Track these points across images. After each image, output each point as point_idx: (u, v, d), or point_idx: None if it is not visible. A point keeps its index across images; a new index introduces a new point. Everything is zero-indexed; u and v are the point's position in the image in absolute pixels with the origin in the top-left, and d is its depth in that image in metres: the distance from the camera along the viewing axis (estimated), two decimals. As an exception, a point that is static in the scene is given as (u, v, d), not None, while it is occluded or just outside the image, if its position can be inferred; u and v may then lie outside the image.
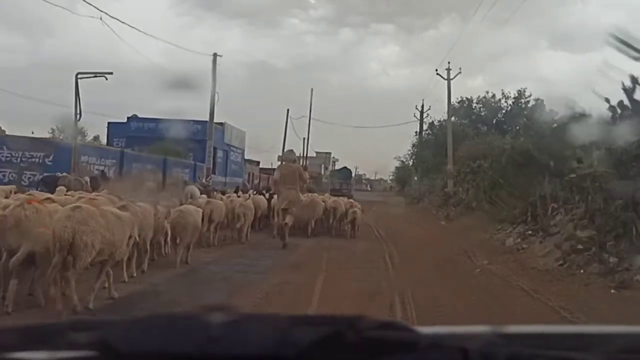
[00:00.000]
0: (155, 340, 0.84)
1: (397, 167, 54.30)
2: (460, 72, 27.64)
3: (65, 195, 9.08)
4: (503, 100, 33.30)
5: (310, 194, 14.07)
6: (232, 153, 33.93)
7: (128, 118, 29.59)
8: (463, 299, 6.15)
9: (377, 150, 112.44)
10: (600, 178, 8.15)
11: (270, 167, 41.83)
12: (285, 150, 38.12)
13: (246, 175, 37.43)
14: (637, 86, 8.27)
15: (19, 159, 15.04)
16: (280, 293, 6.33)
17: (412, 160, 42.25)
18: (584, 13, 63.56)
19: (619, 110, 8.57)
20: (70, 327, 0.90)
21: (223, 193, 14.86)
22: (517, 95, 32.82)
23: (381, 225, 16.67)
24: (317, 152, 54.08)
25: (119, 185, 14.00)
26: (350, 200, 15.45)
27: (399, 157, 48.30)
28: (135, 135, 27.71)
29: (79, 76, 14.96)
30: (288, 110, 38.81)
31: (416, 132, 38.11)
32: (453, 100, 29.29)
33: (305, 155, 39.91)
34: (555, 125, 10.66)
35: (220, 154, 31.03)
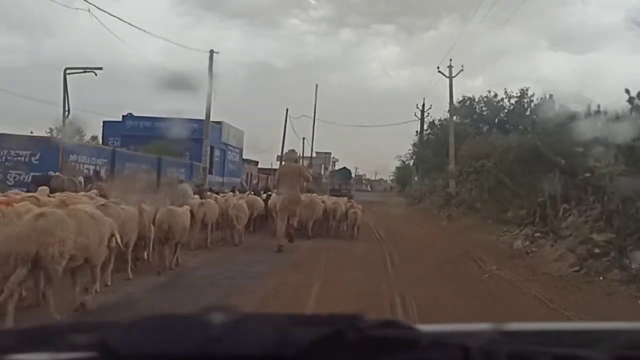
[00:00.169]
0: (155, 341, 0.83)
1: (397, 167, 54.00)
2: (462, 70, 27.18)
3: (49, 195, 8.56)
4: (505, 100, 32.97)
5: (309, 194, 13.56)
6: (229, 152, 33.37)
7: (123, 117, 29.01)
8: (471, 308, 5.61)
9: (377, 151, 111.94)
10: (619, 177, 7.57)
11: (269, 167, 41.50)
12: (284, 149, 38.08)
13: (244, 175, 36.90)
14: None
15: (3, 158, 14.38)
16: (276, 297, 5.89)
17: (412, 160, 41.80)
18: (584, 13, 63.15)
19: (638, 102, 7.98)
20: (70, 329, 0.89)
21: (217, 193, 14.28)
22: (519, 94, 32.43)
23: (381, 226, 16.20)
24: (317, 152, 53.55)
25: (110, 184, 13.55)
26: (350, 201, 14.91)
27: (400, 157, 47.84)
28: (131, 134, 27.18)
29: (68, 72, 14.38)
30: (287, 109, 38.37)
31: (417, 131, 37.67)
32: (454, 100, 28.79)
33: (310, 153, 39.46)
34: (566, 121, 10.05)
35: (217, 153, 30.49)
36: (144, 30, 26.95)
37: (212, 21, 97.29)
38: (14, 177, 14.09)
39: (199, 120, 24.62)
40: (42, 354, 0.82)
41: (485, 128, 32.10)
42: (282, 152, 38.28)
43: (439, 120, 35.63)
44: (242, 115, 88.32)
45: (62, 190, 11.10)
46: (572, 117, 10.36)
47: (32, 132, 18.15)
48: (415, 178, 39.84)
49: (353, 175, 55.67)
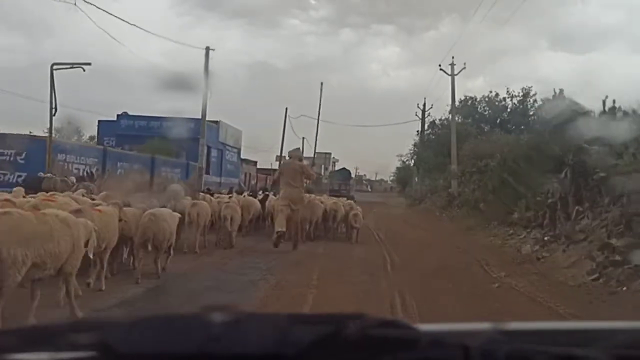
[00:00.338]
0: (155, 341, 0.83)
1: (398, 168, 53.64)
2: (464, 68, 26.63)
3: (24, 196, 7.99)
4: (508, 99, 32.53)
5: (308, 195, 13.03)
6: (227, 152, 32.80)
7: (118, 116, 28.49)
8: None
9: (378, 151, 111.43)
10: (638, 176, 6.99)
11: (269, 167, 40.97)
12: (284, 149, 37.55)
13: (242, 175, 36.35)
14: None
15: (-14, 157, 13.80)
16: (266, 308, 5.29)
17: (413, 161, 41.31)
18: (584, 13, 62.72)
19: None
20: (71, 328, 0.90)
21: (212, 194, 13.69)
22: (522, 93, 31.98)
23: (382, 227, 15.68)
24: (317, 153, 53.09)
25: (98, 185, 13.01)
26: (349, 201, 14.39)
27: (401, 157, 47.34)
28: (126, 134, 26.70)
29: (55, 67, 13.78)
30: (286, 109, 37.80)
31: (417, 131, 37.17)
32: (455, 100, 28.28)
33: (313, 153, 38.83)
34: (578, 117, 9.47)
35: (214, 153, 29.96)
36: (137, 26, 26.40)
37: (212, 21, 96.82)
38: (-1, 178, 13.51)
39: (196, 120, 24.05)
40: (42, 353, 0.81)
41: (486, 128, 31.68)
42: (281, 152, 37.78)
43: (440, 120, 35.24)
44: (242, 116, 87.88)
45: (55, 191, 10.62)
46: (585, 113, 9.78)
47: (30, 132, 17.61)
48: (416, 178, 39.36)
49: (353, 175, 55.31)
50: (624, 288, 6.02)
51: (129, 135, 26.32)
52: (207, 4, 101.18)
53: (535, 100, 30.69)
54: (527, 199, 13.01)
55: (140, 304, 5.31)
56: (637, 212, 6.91)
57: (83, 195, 9.04)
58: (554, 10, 72.63)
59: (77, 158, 15.60)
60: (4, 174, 13.50)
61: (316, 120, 39.36)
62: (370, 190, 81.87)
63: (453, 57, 26.91)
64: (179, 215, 8.23)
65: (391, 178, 71.59)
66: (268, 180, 35.58)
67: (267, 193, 14.48)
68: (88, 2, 13.30)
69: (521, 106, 32.20)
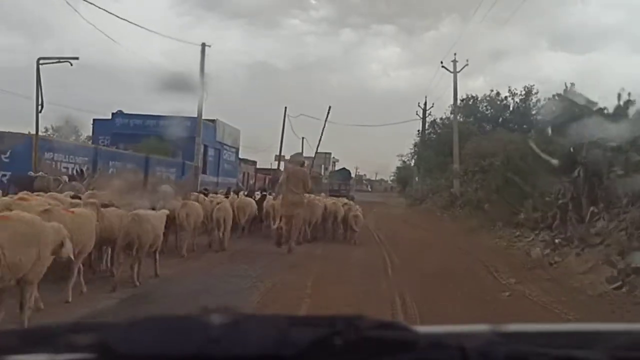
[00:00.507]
0: (154, 342, 0.83)
1: (398, 167, 53.29)
2: (467, 64, 26.10)
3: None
4: (510, 98, 32.02)
5: (307, 195, 12.54)
6: (225, 152, 32.22)
7: (113, 114, 27.92)
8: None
9: (378, 151, 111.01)
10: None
11: (269, 167, 40.42)
12: (281, 148, 37.02)
13: (241, 175, 35.77)
14: None
15: (-32, 155, 13.20)
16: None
17: (413, 160, 40.85)
18: (584, 13, 62.23)
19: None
20: (70, 330, 0.88)
21: (206, 194, 13.13)
22: (525, 92, 31.46)
23: (382, 228, 15.15)
24: (317, 153, 52.69)
25: (86, 184, 12.49)
26: (347, 202, 13.89)
27: (401, 156, 46.89)
28: (121, 132, 26.12)
29: (41, 62, 13.18)
30: (285, 108, 37.24)
31: (418, 130, 36.67)
32: (457, 98, 27.77)
33: (315, 153, 38.27)
34: (591, 113, 8.90)
35: (211, 152, 29.38)
36: (129, 21, 25.90)
37: (212, 21, 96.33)
38: (-18, 177, 12.91)
39: (193, 118, 23.51)
40: (41, 354, 0.81)
41: (488, 127, 31.18)
42: (280, 152, 37.29)
43: (441, 118, 34.73)
44: (241, 116, 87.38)
45: (48, 190, 10.12)
46: (600, 110, 9.19)
47: (29, 132, 17.05)
48: (417, 178, 38.87)
49: (353, 175, 54.92)
50: (651, 298, 5.45)
51: (124, 134, 25.77)
52: (207, 4, 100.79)
53: (538, 100, 30.19)
54: (534, 199, 12.46)
55: (112, 317, 4.72)
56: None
57: (72, 197, 8.52)
58: (554, 10, 72.13)
59: (66, 157, 15.01)
60: (-11, 174, 12.93)
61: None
62: (370, 190, 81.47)
63: (455, 54, 26.47)
64: (167, 212, 7.72)
65: (391, 178, 71.26)
66: (267, 181, 35.11)
67: (264, 194, 14.00)
68: (88, 2, 12.84)
69: (523, 105, 31.70)
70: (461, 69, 25.95)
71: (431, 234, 15.09)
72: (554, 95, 9.23)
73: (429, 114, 35.48)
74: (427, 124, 35.85)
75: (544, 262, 8.17)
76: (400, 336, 0.86)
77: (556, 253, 8.39)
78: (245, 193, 14.91)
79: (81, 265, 5.88)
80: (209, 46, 21.76)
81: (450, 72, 26.01)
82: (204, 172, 26.87)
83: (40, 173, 12.75)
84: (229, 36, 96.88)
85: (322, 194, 16.66)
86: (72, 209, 6.12)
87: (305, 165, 11.82)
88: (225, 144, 31.97)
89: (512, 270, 7.86)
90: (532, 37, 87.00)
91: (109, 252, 6.96)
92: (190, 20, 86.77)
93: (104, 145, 23.69)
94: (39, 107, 13.25)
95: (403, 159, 46.70)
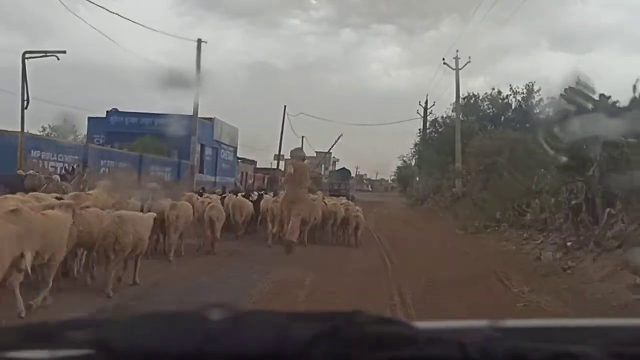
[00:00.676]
0: (153, 339, 0.82)
1: (398, 167, 52.76)
2: (469, 61, 25.63)
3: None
4: (511, 97, 31.48)
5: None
6: (222, 151, 31.71)
7: (107, 112, 27.41)
8: None
9: (378, 151, 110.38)
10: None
11: (269, 167, 39.90)
12: (280, 147, 36.51)
13: (239, 174, 35.25)
14: None
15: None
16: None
17: (414, 160, 40.36)
18: (584, 13, 61.73)
19: None
20: (69, 326, 0.88)
21: (201, 194, 12.60)
22: (526, 90, 30.91)
23: (382, 229, 14.64)
24: (317, 152, 52.21)
25: (74, 183, 12.01)
26: (345, 202, 13.42)
27: (402, 156, 46.42)
28: (115, 131, 25.67)
29: (27, 56, 12.64)
30: (285, 106, 36.76)
31: (419, 129, 36.13)
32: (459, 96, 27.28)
33: (318, 153, 37.85)
34: (605, 107, 8.35)
35: (208, 151, 28.89)
36: (125, 18, 25.38)
37: (212, 21, 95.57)
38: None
39: (189, 117, 22.98)
40: (41, 351, 0.80)
41: (490, 126, 30.67)
42: (279, 151, 36.79)
43: (442, 117, 34.19)
44: (241, 115, 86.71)
45: (39, 189, 9.67)
46: (613, 103, 8.65)
47: (28, 131, 16.55)
48: (417, 178, 38.36)
49: (353, 175, 54.49)
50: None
51: (119, 132, 25.31)
52: (207, 4, 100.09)
53: (541, 99, 29.65)
54: (542, 199, 11.94)
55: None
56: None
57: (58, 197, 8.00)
58: (554, 10, 71.64)
59: (54, 155, 14.49)
60: (-29, 173, 12.37)
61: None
62: (370, 189, 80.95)
63: (457, 51, 26.01)
64: (154, 215, 7.21)
65: (392, 177, 70.65)
66: (266, 180, 34.60)
67: (261, 194, 13.51)
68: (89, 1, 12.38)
69: (526, 103, 31.18)
70: (463, 66, 25.56)
71: (434, 235, 14.55)
72: (565, 90, 8.62)
73: (430, 113, 35.03)
74: (428, 123, 35.37)
75: (557, 267, 7.61)
76: (400, 331, 0.86)
77: (569, 257, 7.84)
78: (242, 193, 14.41)
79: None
80: (205, 42, 21.34)
81: (453, 69, 25.59)
82: (201, 171, 26.38)
83: (30, 171, 12.26)
84: (229, 36, 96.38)
85: (319, 193, 16.16)
86: (44, 211, 5.59)
87: (306, 161, 11.38)
88: (223, 143, 31.48)
89: (523, 276, 7.29)
90: (532, 37, 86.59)
91: (83, 256, 6.44)
92: (190, 20, 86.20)
93: (98, 144, 23.20)
94: (25, 103, 12.71)
95: (404, 158, 46.23)
